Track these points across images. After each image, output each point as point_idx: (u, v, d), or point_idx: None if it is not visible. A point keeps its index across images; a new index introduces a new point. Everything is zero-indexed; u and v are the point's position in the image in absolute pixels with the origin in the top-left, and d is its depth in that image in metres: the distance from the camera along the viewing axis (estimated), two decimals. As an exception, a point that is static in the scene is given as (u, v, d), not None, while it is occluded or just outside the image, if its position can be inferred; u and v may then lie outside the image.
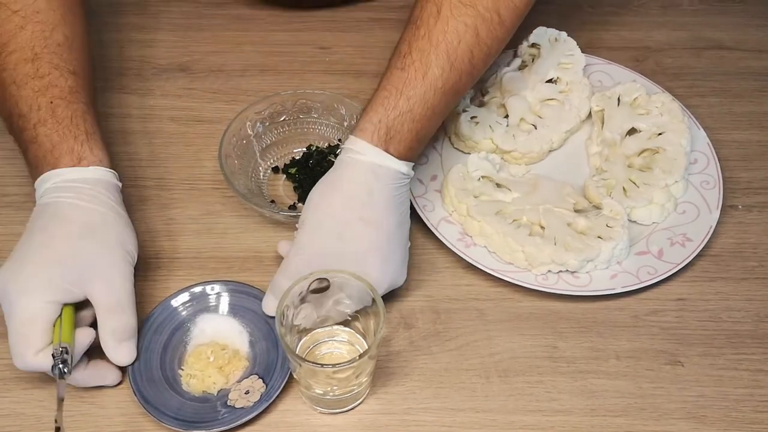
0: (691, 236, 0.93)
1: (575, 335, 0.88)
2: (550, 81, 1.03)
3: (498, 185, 0.95)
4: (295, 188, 0.99)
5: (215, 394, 0.82)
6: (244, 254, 0.93)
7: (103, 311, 0.81)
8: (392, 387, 0.84)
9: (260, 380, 0.82)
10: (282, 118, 1.01)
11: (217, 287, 0.88)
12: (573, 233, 0.90)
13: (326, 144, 1.01)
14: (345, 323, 0.83)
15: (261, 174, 1.00)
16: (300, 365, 0.74)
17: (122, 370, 0.83)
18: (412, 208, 0.93)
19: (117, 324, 0.81)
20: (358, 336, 0.83)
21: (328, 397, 0.79)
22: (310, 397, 0.81)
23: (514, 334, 0.88)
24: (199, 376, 0.83)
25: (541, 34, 1.05)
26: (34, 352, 0.77)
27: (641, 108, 1.00)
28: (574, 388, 0.84)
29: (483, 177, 0.95)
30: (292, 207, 0.97)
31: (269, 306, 0.85)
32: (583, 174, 1.00)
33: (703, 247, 0.92)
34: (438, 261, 0.93)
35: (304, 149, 1.01)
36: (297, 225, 0.85)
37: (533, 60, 1.04)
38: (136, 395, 0.80)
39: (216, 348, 0.85)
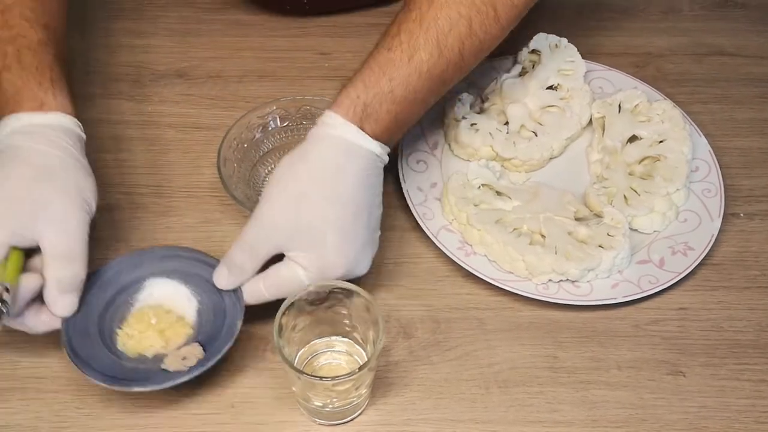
0: (692, 245, 0.92)
1: (576, 345, 0.87)
2: (550, 88, 1.03)
3: (498, 193, 0.94)
4: (293, 196, 0.98)
5: (149, 357, 0.80)
6: (242, 263, 0.92)
7: (50, 258, 0.78)
8: (392, 398, 0.83)
9: (200, 348, 0.80)
10: (282, 125, 1.00)
11: (171, 252, 0.87)
12: (574, 242, 0.89)
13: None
14: (343, 333, 0.82)
15: (260, 180, 0.99)
16: (299, 378, 0.74)
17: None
18: (412, 216, 0.93)
19: (64, 273, 0.78)
20: (357, 346, 0.82)
21: (327, 409, 0.78)
22: (308, 409, 0.80)
23: (514, 343, 0.87)
24: (137, 337, 0.81)
25: (541, 40, 1.05)
26: None
27: (642, 115, 1.00)
28: (575, 398, 0.84)
29: (483, 185, 0.94)
30: (291, 215, 0.96)
31: (221, 278, 0.82)
32: (583, 182, 0.99)
33: (705, 256, 0.92)
34: (438, 270, 0.92)
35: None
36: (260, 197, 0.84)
37: (533, 66, 1.04)
38: (65, 347, 0.78)
39: (160, 311, 0.83)
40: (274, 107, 0.99)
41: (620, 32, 1.18)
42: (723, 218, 0.94)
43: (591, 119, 1.02)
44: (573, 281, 0.89)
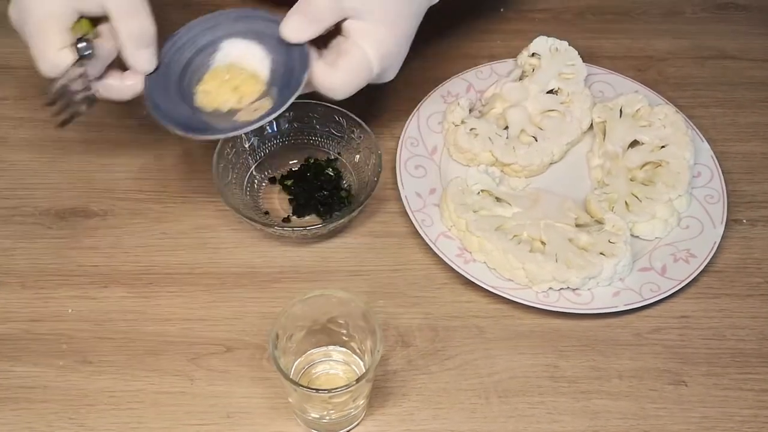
0: (694, 252, 0.91)
1: (576, 354, 0.86)
2: (550, 92, 1.01)
3: (498, 199, 0.93)
4: (290, 200, 0.97)
5: (224, 112, 0.85)
6: (238, 269, 0.91)
7: (118, 16, 0.81)
8: (390, 408, 0.82)
9: (270, 101, 0.84)
10: (279, 129, 0.99)
11: (245, 13, 0.90)
12: (575, 249, 0.88)
13: (325, 157, 0.99)
14: (341, 343, 0.81)
15: (256, 185, 0.98)
16: (295, 390, 0.72)
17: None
18: (410, 222, 0.92)
19: (134, 28, 0.82)
20: (354, 356, 0.81)
21: (324, 420, 0.77)
22: (305, 420, 0.79)
23: (514, 352, 0.86)
24: (213, 93, 0.86)
25: (541, 43, 1.03)
26: (56, 49, 0.80)
27: (644, 120, 0.99)
28: (576, 408, 0.83)
29: (482, 191, 0.93)
30: (287, 219, 0.95)
31: (291, 28, 0.85)
32: (584, 187, 0.98)
33: (707, 263, 0.91)
34: (436, 277, 0.91)
35: (302, 162, 0.99)
36: None
37: (533, 70, 1.02)
38: (147, 101, 0.85)
39: (234, 69, 0.87)
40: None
41: (620, 35, 1.17)
42: (725, 224, 0.93)
43: (592, 124, 1.01)
44: (574, 289, 0.88)
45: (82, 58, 0.81)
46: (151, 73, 0.86)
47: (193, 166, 1.00)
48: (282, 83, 0.85)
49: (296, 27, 0.85)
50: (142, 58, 0.84)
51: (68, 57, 0.81)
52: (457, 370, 0.85)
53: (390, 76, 0.90)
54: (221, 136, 0.87)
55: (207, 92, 0.87)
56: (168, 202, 0.97)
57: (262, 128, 0.97)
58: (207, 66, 0.89)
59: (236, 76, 0.87)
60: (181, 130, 0.83)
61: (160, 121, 0.84)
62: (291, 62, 0.86)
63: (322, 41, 0.88)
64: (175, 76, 0.87)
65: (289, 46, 0.86)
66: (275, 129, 0.98)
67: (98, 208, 0.96)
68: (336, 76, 0.85)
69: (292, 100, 0.83)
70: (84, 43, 0.81)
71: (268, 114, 0.82)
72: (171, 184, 0.98)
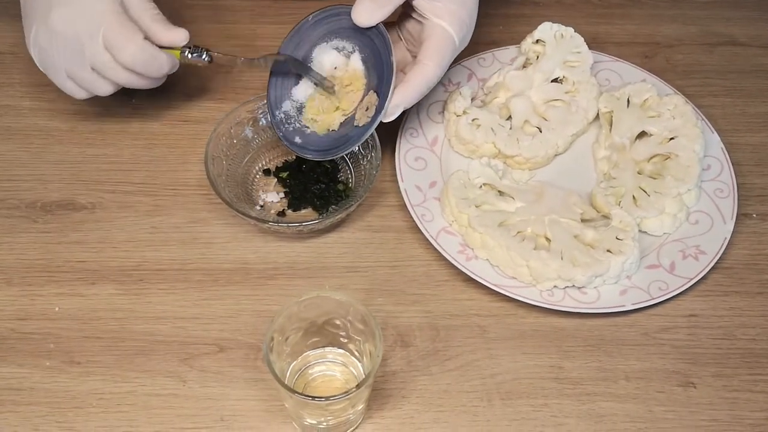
0: (704, 248, 0.89)
1: (582, 354, 0.84)
2: (555, 80, 0.99)
3: (501, 193, 0.90)
4: (285, 194, 0.94)
5: (337, 129, 0.90)
6: (230, 266, 0.89)
7: (137, 9, 0.87)
8: (389, 411, 0.80)
9: (375, 94, 0.87)
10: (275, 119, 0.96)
11: (319, 16, 0.92)
12: (580, 246, 0.85)
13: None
14: (338, 345, 0.78)
15: (251, 178, 0.95)
16: (291, 396, 0.70)
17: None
18: (409, 217, 0.90)
19: (153, 9, 0.88)
20: (352, 358, 0.78)
21: (321, 426, 0.75)
22: (301, 425, 0.76)
23: (517, 353, 0.84)
24: (320, 120, 0.91)
25: (546, 29, 1.00)
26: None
27: (652, 110, 0.95)
28: (581, 411, 0.81)
29: (485, 184, 0.90)
30: (281, 214, 0.92)
31: (362, 12, 0.87)
32: (590, 180, 0.95)
33: (717, 260, 0.88)
34: (437, 274, 0.89)
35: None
36: None
37: (538, 58, 0.99)
38: (283, 141, 0.91)
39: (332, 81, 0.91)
40: (266, 101, 0.94)
41: (627, 20, 1.14)
42: (735, 219, 0.91)
43: (598, 114, 0.98)
44: (579, 287, 0.86)
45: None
46: (275, 112, 0.92)
47: (185, 157, 0.97)
48: (375, 69, 0.89)
49: (368, 11, 0.87)
50: (177, 31, 0.89)
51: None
52: (458, 371, 0.83)
53: (466, 44, 0.91)
54: (351, 148, 0.89)
55: (315, 120, 0.92)
56: (158, 194, 0.94)
57: (256, 119, 0.95)
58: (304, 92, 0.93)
59: (339, 86, 0.91)
60: (320, 156, 0.89)
61: (302, 154, 0.90)
62: (373, 45, 0.89)
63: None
64: (290, 103, 0.93)
65: (364, 30, 0.88)
66: (269, 120, 0.95)
67: (86, 200, 0.93)
68: (426, 68, 0.87)
69: (393, 83, 0.86)
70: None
71: (378, 110, 0.86)
72: (161, 175, 0.96)
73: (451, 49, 0.88)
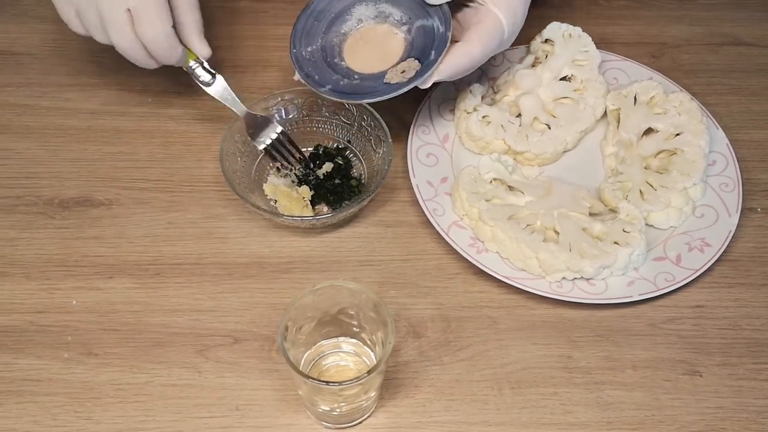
0: (709, 241, 0.90)
1: (590, 344, 0.85)
2: (563, 79, 1.00)
3: (510, 188, 0.91)
4: (299, 190, 0.95)
5: (373, 74, 0.91)
6: (246, 260, 0.90)
7: (186, 7, 0.89)
8: (401, 399, 0.81)
9: (416, 61, 0.88)
10: (288, 116, 0.97)
11: None
12: (588, 239, 0.86)
13: (335, 144, 0.98)
14: (351, 334, 0.80)
15: (264, 174, 0.96)
16: (305, 382, 0.71)
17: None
18: (421, 212, 0.91)
19: (198, 17, 0.91)
20: (365, 347, 0.80)
21: (334, 412, 0.76)
22: (315, 412, 0.78)
23: (527, 343, 0.85)
24: (358, 59, 0.92)
25: (554, 29, 1.01)
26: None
27: (658, 107, 0.97)
28: (589, 399, 0.82)
29: (495, 179, 0.92)
30: (296, 209, 0.94)
31: None
32: (597, 176, 0.96)
33: (722, 252, 0.89)
34: (448, 267, 0.90)
35: (311, 149, 0.98)
36: None
37: (546, 57, 1.01)
38: (297, 72, 0.91)
39: (372, 33, 0.94)
40: (279, 99, 0.96)
41: (634, 21, 1.15)
42: (740, 213, 0.92)
43: (605, 111, 1.00)
44: (587, 279, 0.87)
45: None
46: (295, 43, 0.93)
47: (200, 154, 0.99)
48: (424, 44, 0.90)
49: None
50: (205, 45, 0.93)
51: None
52: (469, 361, 0.84)
53: (511, 41, 0.92)
54: (375, 99, 0.89)
55: (355, 57, 0.92)
56: (174, 191, 0.96)
57: (269, 115, 0.96)
58: (345, 34, 0.94)
59: (375, 39, 0.93)
60: (336, 96, 0.89)
61: (315, 89, 0.90)
62: (431, 22, 0.90)
63: None
64: (317, 44, 0.93)
65: (426, 7, 0.91)
66: (284, 116, 0.97)
67: (103, 197, 0.95)
68: (470, 47, 0.88)
69: (442, 57, 0.87)
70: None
71: (419, 74, 0.87)
72: (177, 172, 0.97)
73: (499, 37, 0.89)
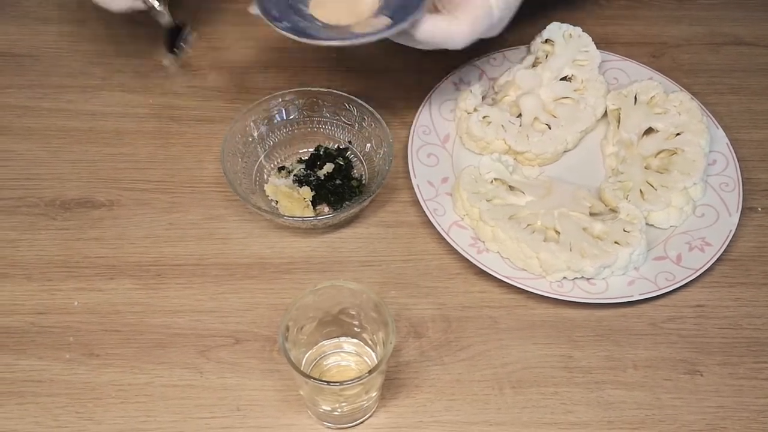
0: (710, 240, 0.90)
1: (591, 344, 0.85)
2: (564, 79, 1.00)
3: (511, 188, 0.91)
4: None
5: (341, 25, 0.85)
6: (247, 260, 0.90)
7: None
8: (402, 399, 0.81)
9: (389, 19, 0.83)
10: (288, 118, 0.97)
11: None
12: (589, 239, 0.87)
13: (335, 145, 0.98)
14: (352, 334, 0.80)
15: (265, 175, 0.96)
16: (306, 382, 0.71)
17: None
18: (422, 212, 0.91)
19: None
20: (366, 347, 0.80)
21: (336, 413, 0.76)
22: (316, 412, 0.78)
23: (527, 343, 0.85)
24: (328, 7, 0.86)
25: (554, 29, 1.02)
26: None
27: (659, 107, 0.97)
28: (590, 399, 0.82)
29: (495, 179, 0.92)
30: (297, 210, 0.94)
31: None
32: (598, 175, 0.96)
33: (723, 252, 0.89)
34: (449, 267, 0.90)
35: (312, 150, 0.98)
36: None
37: (547, 57, 1.01)
38: (257, 5, 0.85)
39: None
40: (280, 99, 0.96)
41: (635, 21, 1.15)
42: (740, 213, 0.92)
43: (606, 111, 1.00)
44: (588, 279, 0.87)
45: None
46: None
47: (201, 155, 0.99)
48: (399, 3, 0.84)
49: None
50: None
51: None
52: (470, 360, 0.84)
53: (500, 28, 0.89)
54: (338, 43, 0.84)
55: (321, 5, 0.87)
56: (175, 192, 0.96)
57: (270, 117, 0.96)
58: None
59: None
60: (294, 34, 0.83)
61: (272, 24, 0.84)
62: None
63: None
64: None
65: None
66: (284, 117, 0.97)
67: (104, 198, 0.95)
68: (455, 23, 0.84)
69: (412, 18, 0.82)
70: None
71: (387, 28, 0.82)
72: (178, 173, 0.97)
73: (487, 20, 0.86)
